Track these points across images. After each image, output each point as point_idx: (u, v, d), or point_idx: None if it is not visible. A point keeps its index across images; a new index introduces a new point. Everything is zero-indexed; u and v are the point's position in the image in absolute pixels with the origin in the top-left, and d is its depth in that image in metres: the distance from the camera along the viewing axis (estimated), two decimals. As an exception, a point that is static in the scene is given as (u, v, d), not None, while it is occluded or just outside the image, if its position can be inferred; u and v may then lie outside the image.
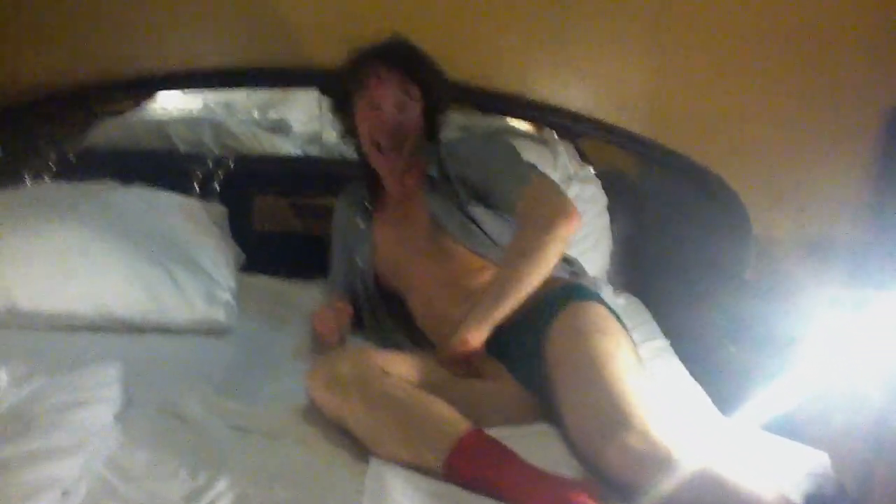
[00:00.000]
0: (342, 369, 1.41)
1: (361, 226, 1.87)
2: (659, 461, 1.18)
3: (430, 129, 1.82)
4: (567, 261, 1.79)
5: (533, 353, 1.50)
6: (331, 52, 2.44)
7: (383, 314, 1.88)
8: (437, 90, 1.79)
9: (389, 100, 1.73)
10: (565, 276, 1.73)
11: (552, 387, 1.42)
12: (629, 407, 1.26)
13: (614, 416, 1.25)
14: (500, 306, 1.54)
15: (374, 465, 1.28)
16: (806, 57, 2.52)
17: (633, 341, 1.54)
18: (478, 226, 1.72)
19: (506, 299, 1.54)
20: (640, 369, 1.43)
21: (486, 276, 1.68)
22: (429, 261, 1.74)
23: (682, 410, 1.53)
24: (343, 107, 1.82)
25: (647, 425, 1.22)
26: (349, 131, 1.84)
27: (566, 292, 1.60)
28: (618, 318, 1.58)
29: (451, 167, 1.76)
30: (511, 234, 1.69)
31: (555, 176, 2.26)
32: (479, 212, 1.72)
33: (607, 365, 1.36)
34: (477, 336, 1.53)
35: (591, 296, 1.61)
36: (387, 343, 1.83)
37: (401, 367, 1.48)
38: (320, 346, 1.78)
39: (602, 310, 1.55)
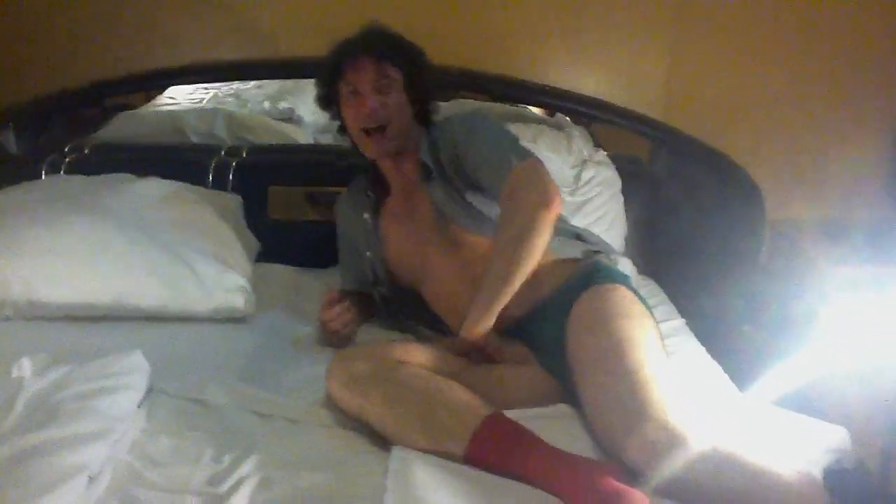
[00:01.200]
0: (359, 367, 1.41)
1: (367, 217, 1.86)
2: (677, 450, 1.18)
3: (421, 115, 1.80)
4: (580, 237, 1.76)
5: (555, 338, 1.49)
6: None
7: (398, 305, 1.87)
8: (418, 73, 1.77)
9: (368, 84, 1.71)
10: (578, 255, 1.69)
11: (574, 371, 1.42)
12: (648, 395, 1.26)
13: (633, 406, 1.25)
14: (498, 298, 1.52)
15: (398, 449, 1.28)
16: (824, 40, 2.51)
17: (655, 322, 1.53)
18: (480, 210, 1.71)
19: (502, 291, 1.53)
20: (661, 353, 1.41)
21: None
22: (438, 251, 1.73)
23: (700, 389, 1.53)
24: (329, 100, 1.81)
25: (666, 414, 1.22)
26: (341, 126, 1.83)
27: (587, 275, 1.58)
28: (640, 298, 1.57)
29: (442, 153, 1.74)
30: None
31: (569, 159, 2.27)
32: (478, 198, 1.71)
33: (629, 352, 1.35)
34: (480, 328, 1.53)
35: (613, 277, 1.58)
36: (405, 333, 1.84)
37: (418, 356, 1.48)
38: (328, 341, 1.79)
39: (624, 291, 1.53)
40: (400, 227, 1.82)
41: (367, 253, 1.85)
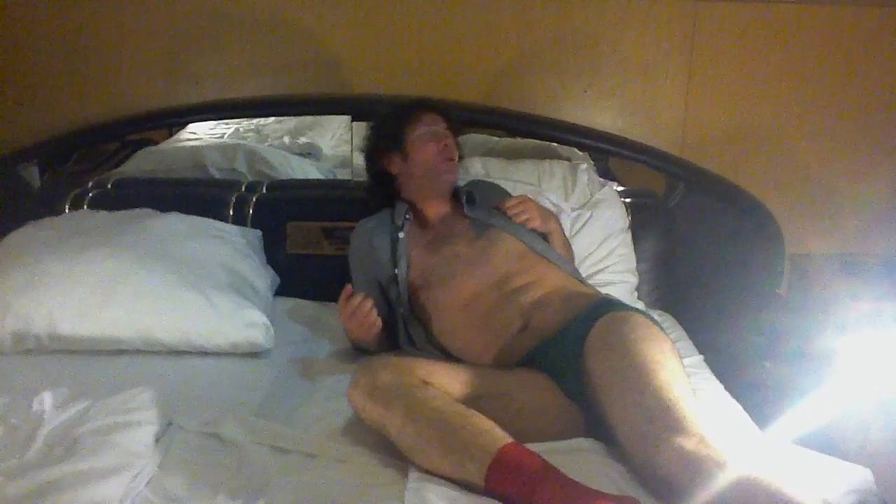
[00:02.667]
0: (384, 378, 1.43)
1: (401, 235, 1.95)
2: (715, 464, 1.20)
3: None
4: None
5: (574, 363, 1.53)
6: (363, 80, 2.50)
7: (416, 327, 1.88)
8: (456, 133, 2.09)
9: (442, 126, 2.03)
10: (591, 290, 1.83)
11: (597, 395, 1.44)
12: (682, 412, 1.29)
13: (668, 422, 1.28)
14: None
15: (414, 481, 1.28)
16: (838, 72, 2.52)
17: (673, 344, 1.55)
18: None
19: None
20: (685, 375, 1.45)
21: (532, 274, 1.77)
22: (471, 264, 1.82)
23: (720, 428, 1.52)
24: (390, 144, 2.04)
25: (702, 429, 1.25)
26: (384, 172, 2.06)
27: (603, 304, 1.66)
28: (656, 323, 1.60)
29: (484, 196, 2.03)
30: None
31: (572, 200, 2.30)
32: None
33: (656, 372, 1.38)
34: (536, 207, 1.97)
35: (628, 307, 1.66)
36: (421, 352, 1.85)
37: (442, 378, 1.50)
38: (357, 342, 1.87)
39: (641, 318, 1.58)
40: (426, 246, 1.93)
41: (395, 270, 1.91)
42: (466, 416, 1.36)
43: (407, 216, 1.99)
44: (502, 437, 1.31)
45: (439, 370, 1.53)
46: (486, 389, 1.53)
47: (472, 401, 1.44)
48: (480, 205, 2.01)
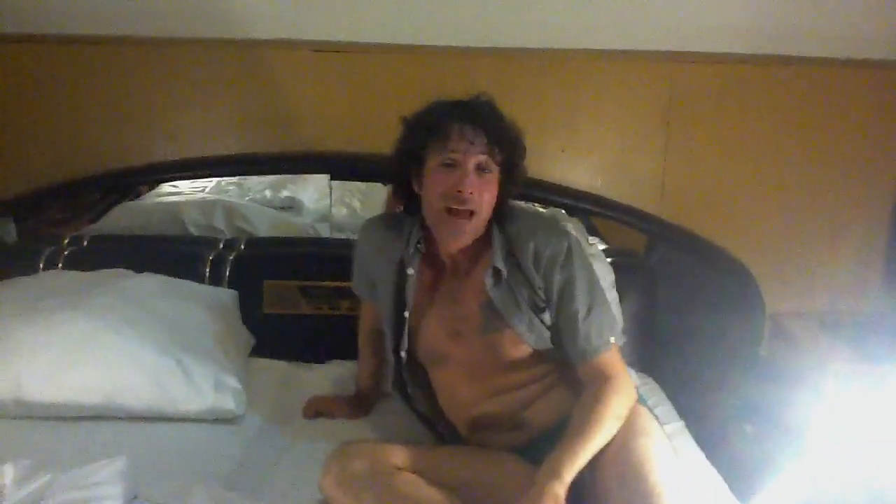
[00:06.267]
0: (356, 467, 1.40)
1: (412, 272, 1.63)
2: None
3: (498, 210, 1.58)
4: None
5: None
6: (339, 139, 2.51)
7: (411, 376, 1.70)
8: (517, 163, 1.59)
9: (474, 160, 1.50)
10: None
11: (595, 485, 1.41)
12: None
13: None
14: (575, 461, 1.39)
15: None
16: (813, 134, 2.55)
17: (663, 431, 1.53)
18: (544, 325, 1.56)
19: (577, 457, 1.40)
20: (677, 468, 1.43)
21: (534, 372, 1.58)
22: (467, 351, 1.59)
23: (700, 497, 1.51)
24: (409, 160, 1.56)
25: None
26: (405, 189, 1.61)
27: None
28: (649, 409, 1.58)
29: (519, 261, 1.55)
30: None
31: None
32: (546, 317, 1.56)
33: (651, 471, 1.37)
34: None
35: None
36: (410, 407, 1.74)
37: (417, 462, 1.47)
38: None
39: (642, 409, 1.54)
40: (434, 306, 1.64)
41: (406, 313, 1.64)
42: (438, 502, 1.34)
43: (419, 247, 1.63)
44: None
45: (414, 454, 1.49)
46: (463, 478, 1.48)
47: (447, 486, 1.41)
48: (512, 282, 1.55)
